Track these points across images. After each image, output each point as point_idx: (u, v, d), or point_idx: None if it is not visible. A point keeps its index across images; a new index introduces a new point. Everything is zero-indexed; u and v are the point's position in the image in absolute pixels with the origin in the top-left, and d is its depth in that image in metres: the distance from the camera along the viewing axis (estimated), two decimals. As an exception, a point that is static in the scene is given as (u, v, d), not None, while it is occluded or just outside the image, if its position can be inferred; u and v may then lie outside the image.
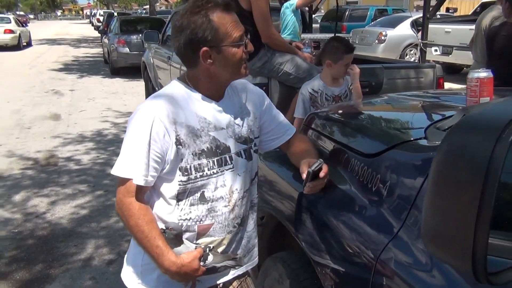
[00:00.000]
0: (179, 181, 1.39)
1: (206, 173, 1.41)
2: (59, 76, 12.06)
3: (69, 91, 9.72)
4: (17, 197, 4.18)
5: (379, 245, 1.11)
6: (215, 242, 1.48)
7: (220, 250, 1.50)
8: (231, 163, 1.47)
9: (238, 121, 1.51)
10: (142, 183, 1.34)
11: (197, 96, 1.43)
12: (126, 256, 1.58)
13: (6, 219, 3.73)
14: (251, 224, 1.61)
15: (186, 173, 1.39)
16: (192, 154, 1.39)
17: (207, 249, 1.46)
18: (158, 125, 1.33)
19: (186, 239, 1.44)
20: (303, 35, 4.29)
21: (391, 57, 9.87)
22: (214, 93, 1.46)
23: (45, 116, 7.42)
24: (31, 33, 22.62)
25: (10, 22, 20.11)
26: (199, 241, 1.46)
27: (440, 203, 0.72)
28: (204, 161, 1.41)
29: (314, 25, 15.83)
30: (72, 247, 3.28)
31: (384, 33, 11.48)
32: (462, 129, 0.70)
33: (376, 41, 11.57)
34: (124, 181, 1.36)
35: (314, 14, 5.95)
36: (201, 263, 1.43)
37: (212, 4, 1.35)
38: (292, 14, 3.83)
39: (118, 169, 1.36)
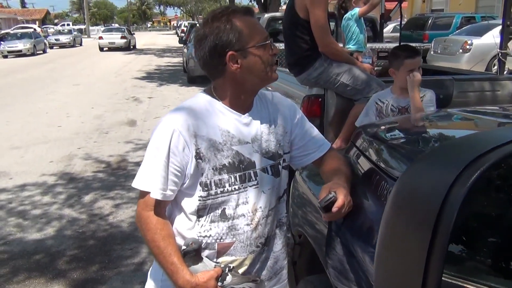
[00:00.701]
0: (199, 197, 1.35)
1: (227, 189, 1.35)
2: (141, 84, 12.76)
3: (147, 99, 10.23)
4: (86, 198, 4.43)
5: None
6: (236, 262, 1.41)
7: (241, 270, 1.42)
8: (256, 179, 1.40)
9: (266, 135, 1.43)
10: (159, 197, 1.31)
11: (222, 108, 1.38)
12: (150, 269, 1.56)
13: (74, 219, 3.95)
14: (278, 245, 1.52)
15: (206, 189, 1.34)
16: (213, 168, 1.34)
17: (227, 269, 1.39)
18: (177, 138, 1.30)
19: (206, 257, 1.39)
20: (368, 45, 4.10)
21: (477, 68, 9.19)
22: (241, 104, 1.39)
23: (123, 122, 7.85)
24: (136, 40, 32.01)
25: (124, 32, 29.81)
26: (219, 259, 1.40)
27: (387, 255, 0.59)
28: (225, 176, 1.35)
29: (393, 34, 15.29)
30: (127, 250, 3.39)
31: (469, 42, 10.72)
32: (417, 167, 0.56)
33: (460, 50, 10.84)
34: (143, 194, 1.34)
35: (386, 22, 5.68)
36: (219, 283, 1.37)
37: (232, 9, 1.32)
38: (356, 24, 3.67)
39: (137, 182, 1.34)
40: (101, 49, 27.90)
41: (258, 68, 1.34)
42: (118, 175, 5.12)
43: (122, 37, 28.42)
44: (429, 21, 14.90)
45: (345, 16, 3.74)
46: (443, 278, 0.55)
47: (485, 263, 0.76)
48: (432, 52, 11.71)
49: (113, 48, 27.77)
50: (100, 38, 28.75)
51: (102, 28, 34.77)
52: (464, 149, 0.57)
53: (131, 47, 29.24)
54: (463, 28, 12.76)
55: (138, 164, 5.46)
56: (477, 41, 10.63)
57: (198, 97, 1.42)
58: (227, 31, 1.30)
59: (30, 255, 3.33)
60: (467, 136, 0.97)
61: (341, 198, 1.28)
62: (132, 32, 35.14)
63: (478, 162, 0.52)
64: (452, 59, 10.66)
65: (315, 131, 1.56)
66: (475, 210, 0.58)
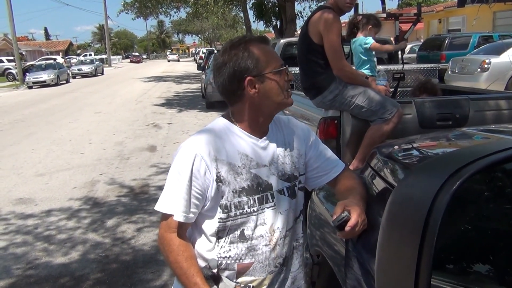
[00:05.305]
0: (219, 219, 1.40)
1: (246, 211, 1.41)
2: (160, 110, 13.02)
3: (167, 125, 10.42)
4: (110, 222, 4.52)
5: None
6: (256, 282, 1.45)
7: (260, 290, 1.46)
8: (273, 201, 1.45)
9: (282, 158, 1.49)
10: (182, 219, 1.37)
11: (240, 132, 1.44)
12: (171, 290, 1.61)
13: (97, 243, 4.04)
14: (295, 264, 1.56)
15: (226, 211, 1.39)
16: (232, 191, 1.39)
17: (246, 288, 1.43)
18: (199, 162, 1.36)
19: (226, 277, 1.43)
20: (380, 67, 4.15)
21: (497, 87, 9.13)
22: (258, 128, 1.46)
23: (143, 148, 8.01)
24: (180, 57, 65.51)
25: (177, 55, 72.64)
26: (239, 280, 1.44)
27: (385, 258, 0.63)
28: (244, 198, 1.40)
29: (410, 55, 15.32)
30: (149, 274, 3.44)
31: (487, 61, 10.68)
32: (409, 178, 0.61)
33: (479, 69, 10.79)
34: (166, 216, 1.40)
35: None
36: (239, 302, 1.41)
37: (248, 38, 1.41)
38: (368, 52, 3.73)
39: (160, 205, 1.40)
40: (168, 61, 61.66)
41: (275, 92, 1.40)
42: (140, 199, 5.22)
43: (177, 57, 66.53)
44: (446, 41, 14.91)
45: (355, 39, 3.80)
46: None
47: (470, 263, 0.80)
48: (449, 72, 11.68)
49: (173, 60, 61.42)
50: (167, 57, 68.46)
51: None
52: (448, 162, 0.62)
53: (179, 60, 62.67)
54: (481, 47, 12.72)
55: (159, 188, 5.56)
56: (495, 60, 10.59)
57: (217, 122, 1.49)
58: (245, 58, 1.38)
59: (55, 279, 3.41)
60: (452, 151, 1.01)
61: (354, 217, 1.32)
62: (180, 55, 77.11)
63: (459, 173, 0.57)
64: (470, 78, 10.62)
65: (329, 153, 1.61)
66: (459, 214, 0.62)
